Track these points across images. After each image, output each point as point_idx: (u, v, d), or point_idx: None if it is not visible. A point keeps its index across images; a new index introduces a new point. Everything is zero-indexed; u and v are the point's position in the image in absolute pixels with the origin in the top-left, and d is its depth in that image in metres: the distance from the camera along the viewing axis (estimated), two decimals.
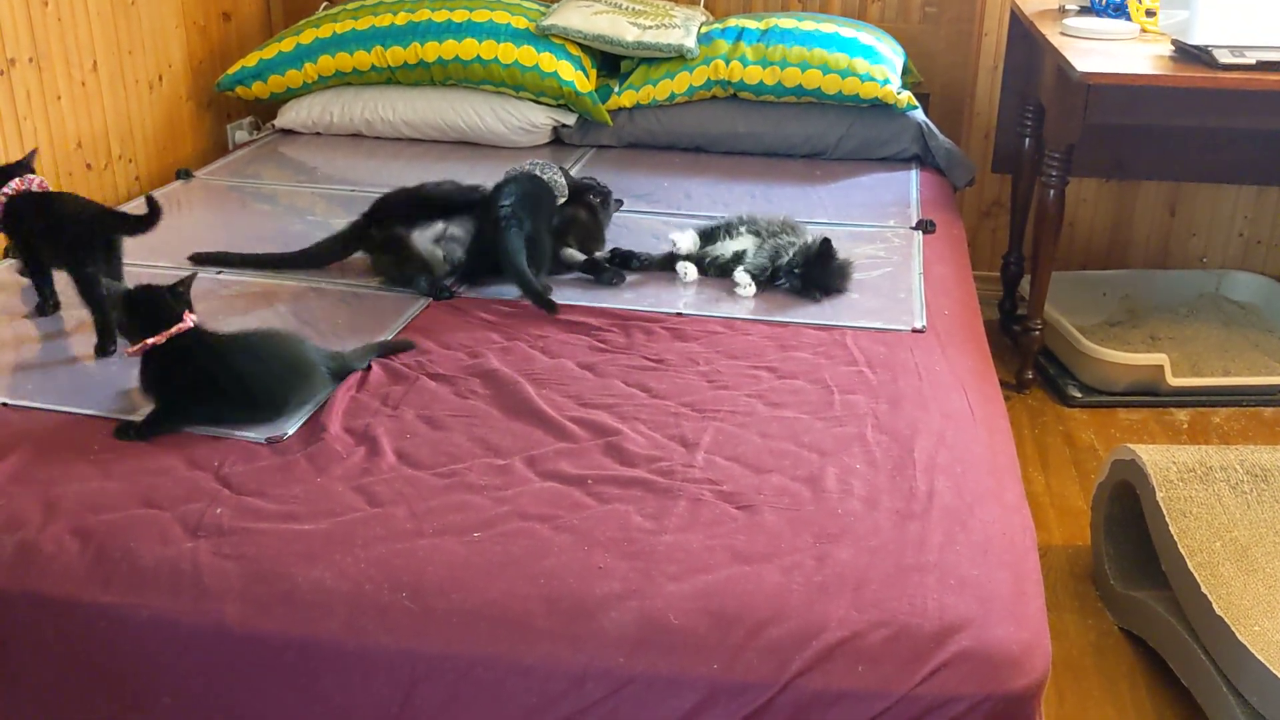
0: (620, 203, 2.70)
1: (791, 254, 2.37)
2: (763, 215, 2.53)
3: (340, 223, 2.78)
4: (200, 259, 2.49)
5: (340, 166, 3.22)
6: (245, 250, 2.54)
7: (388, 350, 2.09)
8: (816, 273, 2.35)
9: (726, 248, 2.45)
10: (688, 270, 2.44)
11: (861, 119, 3.22)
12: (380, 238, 2.42)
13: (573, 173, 3.07)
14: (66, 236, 2.13)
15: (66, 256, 2.13)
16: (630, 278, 2.44)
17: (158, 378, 1.85)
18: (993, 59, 3.60)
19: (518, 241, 2.30)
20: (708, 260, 2.46)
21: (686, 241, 2.45)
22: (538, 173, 2.51)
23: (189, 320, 1.86)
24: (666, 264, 2.47)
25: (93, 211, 2.17)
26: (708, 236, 2.49)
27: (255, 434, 1.84)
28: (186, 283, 1.88)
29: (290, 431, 1.85)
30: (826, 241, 2.36)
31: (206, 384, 1.85)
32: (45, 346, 2.17)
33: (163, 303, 1.85)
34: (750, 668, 1.41)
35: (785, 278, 2.37)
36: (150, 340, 1.82)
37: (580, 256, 2.46)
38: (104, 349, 2.10)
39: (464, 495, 1.68)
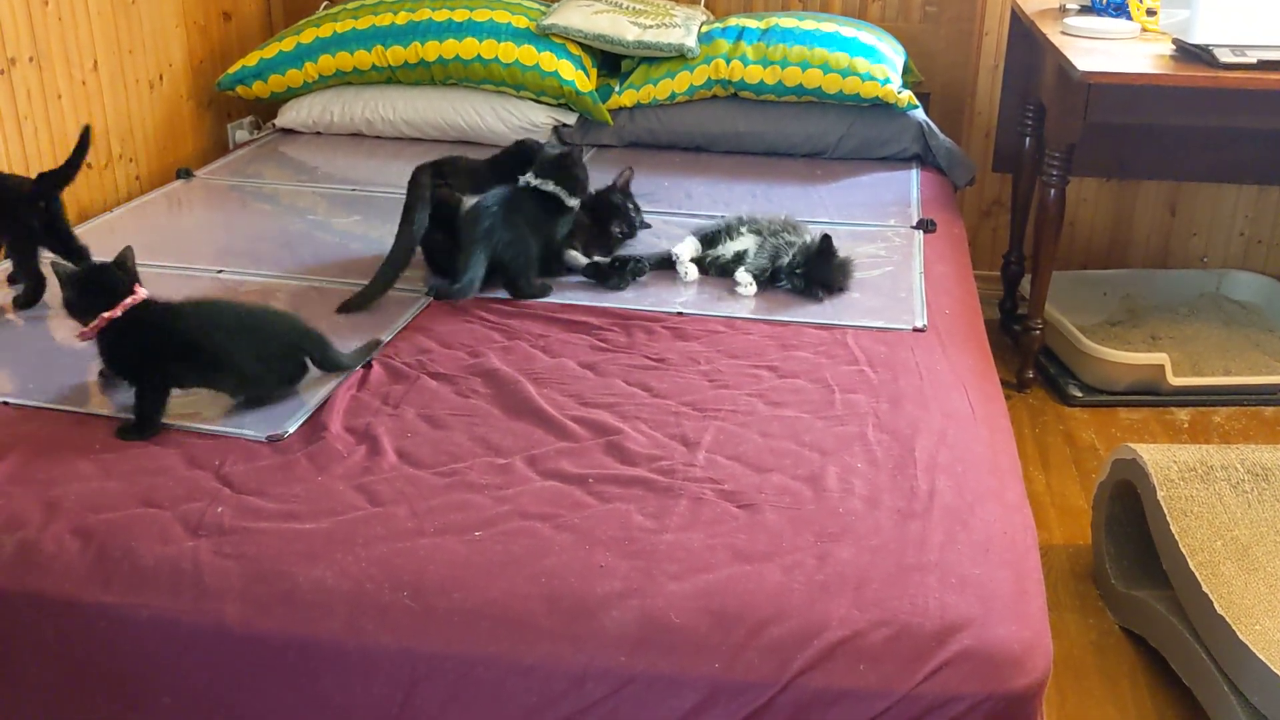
0: (648, 226, 2.65)
1: (792, 254, 2.37)
2: (763, 215, 2.53)
3: (341, 221, 2.79)
4: (347, 307, 2.29)
5: (341, 166, 3.22)
6: (247, 251, 2.54)
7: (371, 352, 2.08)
8: (818, 270, 2.35)
9: (728, 248, 2.45)
10: (689, 270, 2.44)
11: (862, 118, 3.22)
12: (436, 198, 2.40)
13: None
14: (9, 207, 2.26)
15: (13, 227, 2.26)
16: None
17: (117, 353, 1.86)
18: (993, 58, 3.60)
19: (478, 257, 2.28)
20: (708, 260, 2.46)
21: (688, 252, 2.45)
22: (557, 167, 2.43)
23: (140, 292, 1.86)
24: (667, 263, 2.47)
25: (29, 182, 2.31)
26: (708, 240, 2.48)
27: (255, 432, 1.84)
28: (128, 255, 1.89)
29: (291, 430, 1.85)
30: (826, 238, 2.36)
31: (163, 349, 1.86)
32: (45, 345, 2.17)
33: (113, 278, 1.86)
34: (751, 667, 1.41)
35: (787, 278, 2.37)
36: (106, 315, 1.83)
37: (583, 260, 2.45)
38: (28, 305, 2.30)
39: (465, 494, 1.68)
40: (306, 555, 1.54)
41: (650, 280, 2.45)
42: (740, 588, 1.49)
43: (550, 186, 2.38)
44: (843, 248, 2.41)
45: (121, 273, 1.87)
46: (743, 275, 2.38)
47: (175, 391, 1.92)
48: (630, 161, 3.19)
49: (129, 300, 1.84)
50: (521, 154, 2.55)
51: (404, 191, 2.47)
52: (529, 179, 2.39)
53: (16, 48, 2.75)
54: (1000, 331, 3.60)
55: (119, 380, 1.94)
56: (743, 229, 2.47)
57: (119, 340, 1.85)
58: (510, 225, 2.32)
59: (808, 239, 2.40)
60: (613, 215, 2.51)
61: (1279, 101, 2.77)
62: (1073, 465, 2.93)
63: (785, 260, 2.37)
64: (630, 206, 2.52)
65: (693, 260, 2.45)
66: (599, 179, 2.87)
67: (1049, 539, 2.61)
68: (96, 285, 1.85)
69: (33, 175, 2.30)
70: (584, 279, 2.44)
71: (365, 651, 1.46)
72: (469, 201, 2.38)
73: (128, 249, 1.91)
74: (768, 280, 2.40)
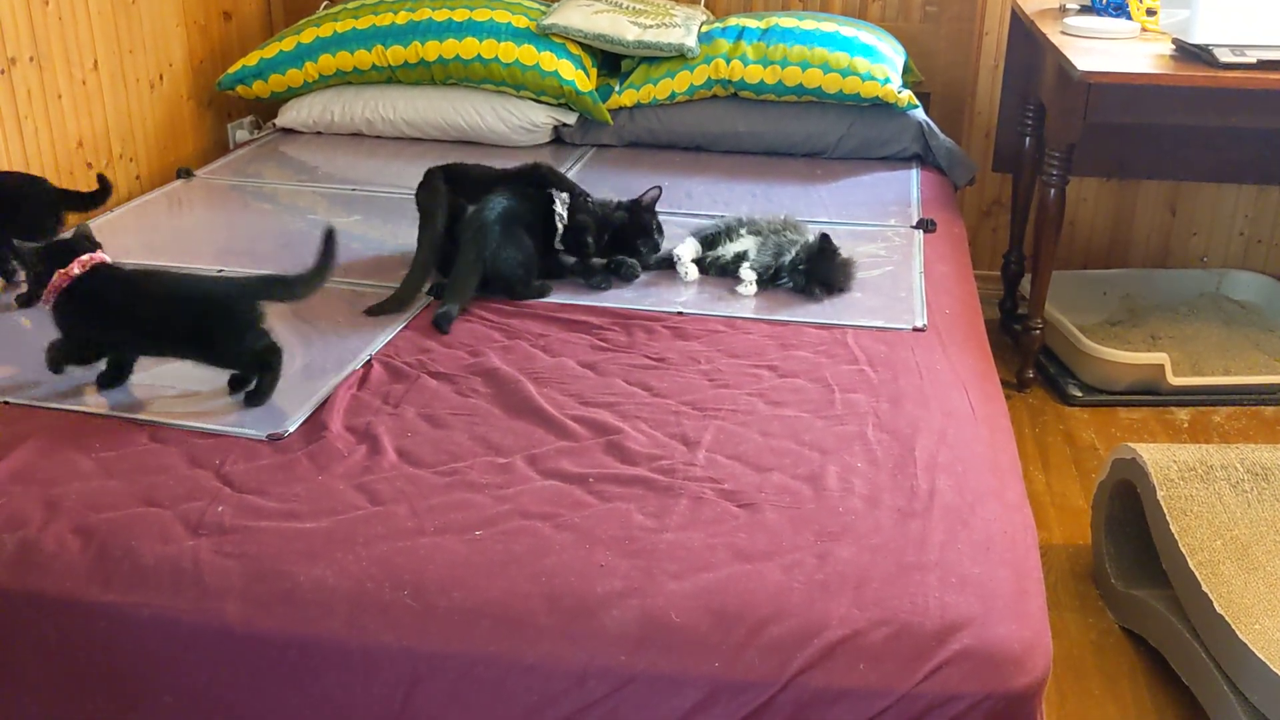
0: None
1: (794, 252, 2.37)
2: (763, 215, 2.53)
3: (342, 221, 2.79)
4: (377, 310, 2.27)
5: (341, 166, 3.22)
6: (248, 250, 2.54)
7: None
8: (820, 270, 2.35)
9: (728, 249, 2.45)
10: (689, 270, 2.44)
11: (862, 118, 3.22)
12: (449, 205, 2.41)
13: (574, 171, 3.08)
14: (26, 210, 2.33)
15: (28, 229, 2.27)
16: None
17: (67, 316, 1.91)
18: (993, 58, 3.60)
19: (464, 285, 2.28)
20: (708, 260, 2.46)
21: (688, 253, 2.45)
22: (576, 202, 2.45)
23: (99, 255, 1.91)
24: (666, 263, 2.47)
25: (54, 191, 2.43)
26: (708, 242, 2.48)
27: (256, 430, 1.84)
28: (85, 228, 1.96)
29: (291, 428, 1.85)
30: (825, 237, 2.36)
31: (105, 314, 1.90)
32: (46, 344, 2.17)
33: (76, 246, 1.91)
34: (751, 666, 1.41)
35: (789, 276, 2.37)
36: (62, 271, 1.87)
37: (571, 258, 2.45)
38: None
39: (465, 494, 1.68)
40: (307, 554, 1.54)
41: (650, 280, 2.45)
42: (740, 587, 1.49)
43: (561, 225, 2.40)
44: (843, 247, 2.41)
45: (87, 242, 1.92)
46: (746, 272, 2.38)
47: (177, 387, 1.92)
48: (630, 161, 3.20)
49: (86, 258, 1.89)
50: (535, 176, 2.53)
51: (404, 190, 2.48)
52: (558, 204, 2.40)
53: (17, 47, 2.75)
54: (1000, 331, 3.60)
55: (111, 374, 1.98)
56: (742, 230, 2.47)
57: (70, 302, 1.89)
58: (509, 236, 2.32)
59: (809, 238, 2.40)
60: (640, 234, 2.46)
61: (1278, 101, 2.77)
62: (1072, 465, 2.93)
63: (788, 257, 2.37)
64: (655, 226, 2.50)
65: (693, 261, 2.45)
66: (600, 179, 2.87)
67: (1049, 538, 2.61)
68: (61, 255, 1.89)
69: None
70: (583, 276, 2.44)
71: (366, 650, 1.46)
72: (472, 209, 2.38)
73: (84, 224, 1.98)
74: (769, 279, 2.39)
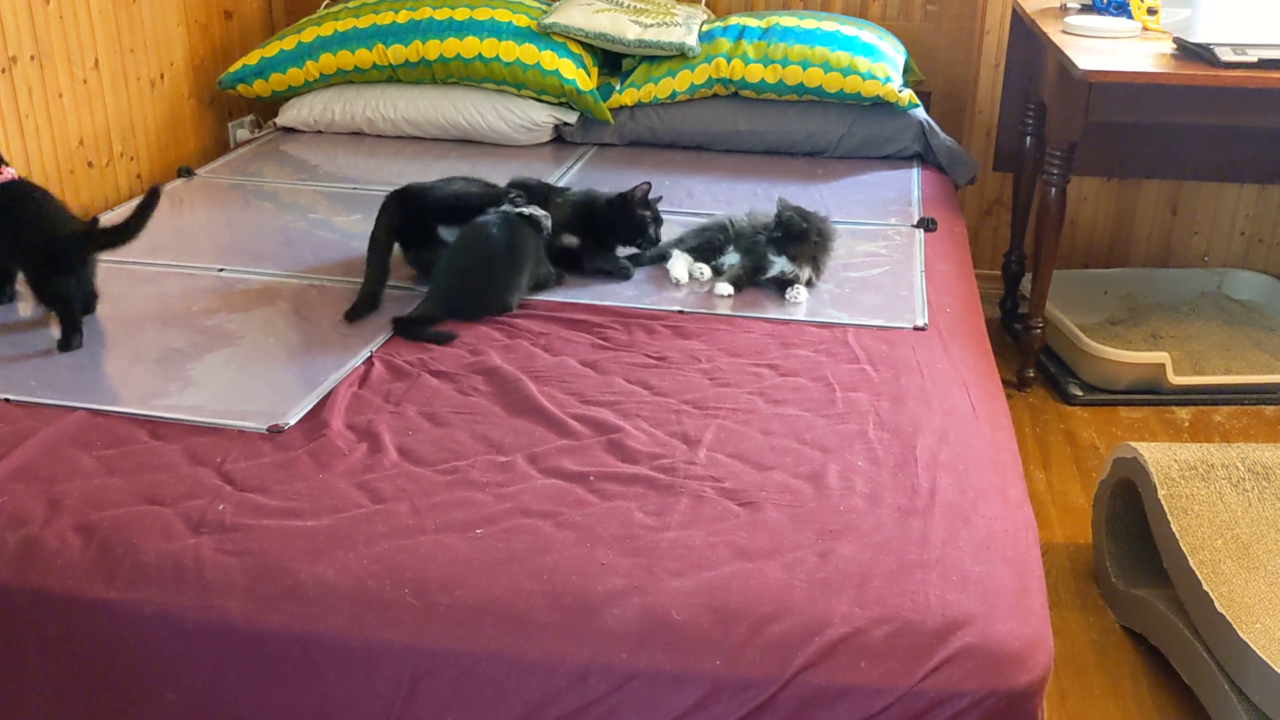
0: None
1: (765, 236, 2.36)
2: (744, 217, 2.49)
3: (342, 220, 2.79)
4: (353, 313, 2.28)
5: (341, 165, 3.22)
6: (248, 249, 2.54)
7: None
8: (785, 209, 2.34)
9: (766, 262, 2.42)
10: (727, 290, 2.38)
11: (863, 117, 3.23)
12: (417, 234, 2.41)
13: (575, 169, 3.08)
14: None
15: None
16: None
17: None
18: (994, 57, 3.60)
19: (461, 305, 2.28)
20: (744, 274, 2.42)
21: (682, 271, 2.44)
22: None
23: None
24: (662, 259, 2.47)
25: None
26: (698, 251, 2.46)
27: (257, 424, 1.84)
28: None
29: (292, 421, 1.85)
30: (780, 200, 2.36)
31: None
32: (47, 342, 2.17)
33: None
34: (753, 664, 1.41)
35: (773, 254, 2.34)
36: None
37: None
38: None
39: (466, 492, 1.68)
40: (309, 552, 1.55)
41: (651, 278, 2.45)
42: (742, 585, 1.49)
43: (548, 222, 2.40)
44: (844, 245, 2.41)
45: None
46: (791, 294, 2.35)
47: (178, 383, 1.94)
48: (631, 160, 3.20)
49: None
50: (496, 196, 2.52)
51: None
52: (545, 226, 2.39)
53: (18, 46, 2.76)
54: (1001, 330, 3.60)
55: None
56: (730, 247, 2.44)
57: None
58: (513, 281, 2.29)
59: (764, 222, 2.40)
60: (635, 231, 2.45)
61: (1279, 100, 2.77)
62: (1073, 464, 2.93)
63: (766, 249, 2.36)
64: (648, 216, 2.46)
65: (730, 283, 2.39)
66: (601, 178, 2.87)
67: (1050, 537, 2.61)
68: None
69: (33, 175, 2.33)
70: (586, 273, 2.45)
71: (368, 648, 1.46)
72: (445, 231, 2.38)
73: None
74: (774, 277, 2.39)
